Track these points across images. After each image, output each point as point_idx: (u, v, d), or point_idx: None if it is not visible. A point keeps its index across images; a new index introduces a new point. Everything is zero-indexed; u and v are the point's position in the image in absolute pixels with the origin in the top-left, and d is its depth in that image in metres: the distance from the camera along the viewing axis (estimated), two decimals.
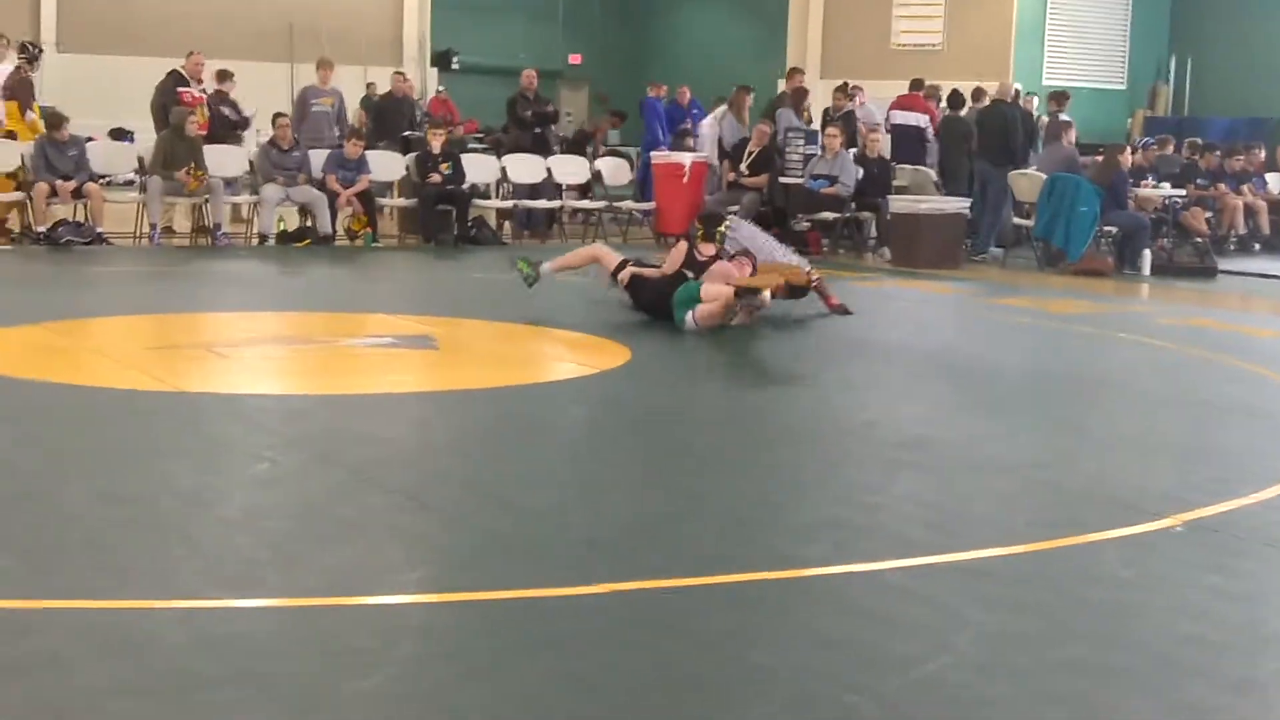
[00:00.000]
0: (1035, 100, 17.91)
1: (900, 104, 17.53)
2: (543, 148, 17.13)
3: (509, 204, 16.31)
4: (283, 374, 7.93)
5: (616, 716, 3.26)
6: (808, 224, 15.49)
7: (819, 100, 18.42)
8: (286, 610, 3.89)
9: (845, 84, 18.01)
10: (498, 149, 17.46)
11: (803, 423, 6.87)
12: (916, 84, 17.80)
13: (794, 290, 9.97)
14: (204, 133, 14.74)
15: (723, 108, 17.33)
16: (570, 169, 17.05)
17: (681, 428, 6.75)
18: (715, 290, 9.12)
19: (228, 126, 15.54)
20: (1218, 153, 17.85)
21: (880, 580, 4.31)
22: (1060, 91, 17.60)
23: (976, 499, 5.44)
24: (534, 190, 16.46)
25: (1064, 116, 16.59)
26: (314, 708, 3.23)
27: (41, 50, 16.85)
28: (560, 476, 5.68)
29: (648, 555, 4.51)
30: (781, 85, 17.62)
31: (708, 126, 17.22)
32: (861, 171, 15.44)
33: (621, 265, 9.86)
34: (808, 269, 10.49)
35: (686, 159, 16.72)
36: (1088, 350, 9.74)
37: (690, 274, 9.56)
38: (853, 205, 15.48)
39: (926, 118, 17.33)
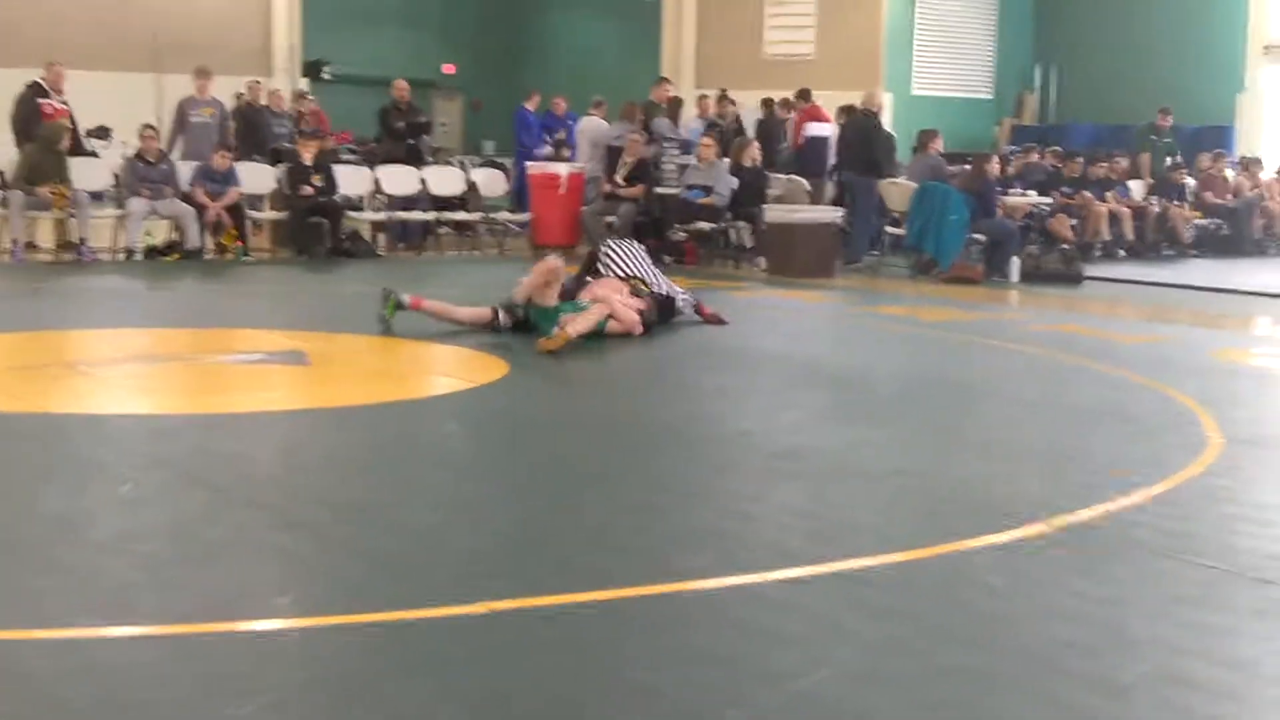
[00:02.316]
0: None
1: (810, 115, 17.73)
2: (416, 159, 17.02)
3: (382, 216, 16.18)
4: (149, 393, 7.75)
5: None
6: (684, 234, 15.55)
7: (690, 110, 18.51)
8: (159, 637, 3.81)
9: (724, 92, 18.10)
10: (371, 160, 17.32)
11: (679, 433, 6.88)
12: (804, 94, 17.97)
13: (664, 312, 10.06)
14: (69, 145, 14.44)
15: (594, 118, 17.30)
16: (445, 180, 16.96)
17: (560, 440, 6.73)
18: (598, 295, 9.09)
19: None
20: (1081, 159, 18.23)
21: (758, 592, 4.33)
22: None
23: (852, 507, 5.48)
24: (408, 202, 16.35)
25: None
26: None
27: None
28: (438, 494, 5.63)
29: (526, 572, 4.48)
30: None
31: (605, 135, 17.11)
32: (736, 181, 15.55)
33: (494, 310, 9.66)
34: (682, 295, 10.53)
35: (563, 170, 16.70)
36: (959, 357, 9.88)
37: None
38: (728, 215, 15.58)
39: (831, 127, 17.52)
